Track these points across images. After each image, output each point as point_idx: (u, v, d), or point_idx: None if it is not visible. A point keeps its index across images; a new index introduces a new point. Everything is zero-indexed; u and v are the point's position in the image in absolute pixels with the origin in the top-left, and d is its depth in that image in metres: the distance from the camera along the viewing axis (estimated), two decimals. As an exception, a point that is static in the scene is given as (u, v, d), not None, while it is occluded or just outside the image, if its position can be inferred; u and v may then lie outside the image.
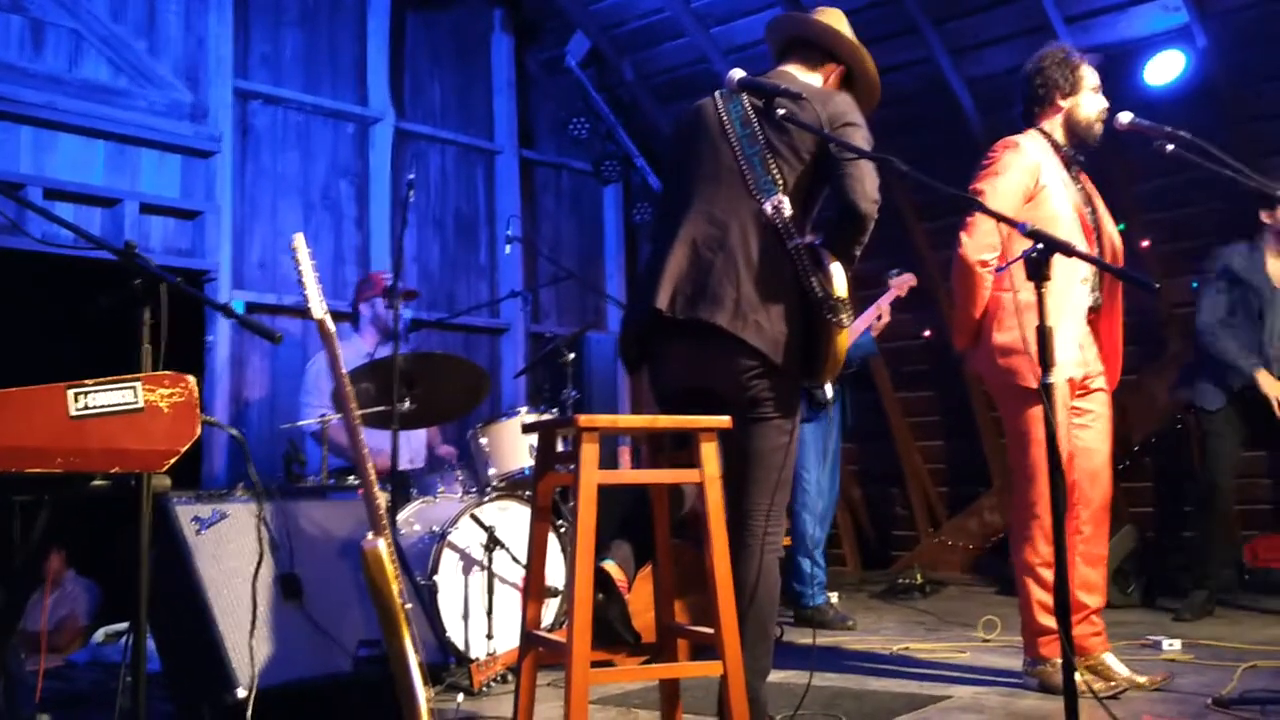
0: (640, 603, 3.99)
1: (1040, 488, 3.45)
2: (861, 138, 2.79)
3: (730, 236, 2.81)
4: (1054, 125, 3.69)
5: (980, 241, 3.55)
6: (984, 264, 3.57)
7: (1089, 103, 3.65)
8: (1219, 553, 5.28)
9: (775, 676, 3.88)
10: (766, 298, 2.74)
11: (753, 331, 2.73)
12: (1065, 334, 3.47)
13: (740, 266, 2.77)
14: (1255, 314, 5.04)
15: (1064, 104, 3.67)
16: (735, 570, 2.67)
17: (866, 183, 2.75)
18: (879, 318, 5.42)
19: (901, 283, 5.47)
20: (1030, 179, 3.57)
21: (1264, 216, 5.05)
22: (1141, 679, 3.50)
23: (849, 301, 2.74)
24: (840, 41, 3.10)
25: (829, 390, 4.63)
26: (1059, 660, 3.42)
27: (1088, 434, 3.65)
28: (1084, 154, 3.72)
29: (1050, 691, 3.44)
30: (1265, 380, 4.95)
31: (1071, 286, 3.52)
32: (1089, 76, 3.67)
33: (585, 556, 2.53)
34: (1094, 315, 3.70)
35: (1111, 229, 3.75)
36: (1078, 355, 3.58)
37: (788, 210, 2.77)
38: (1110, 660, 3.55)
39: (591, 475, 2.54)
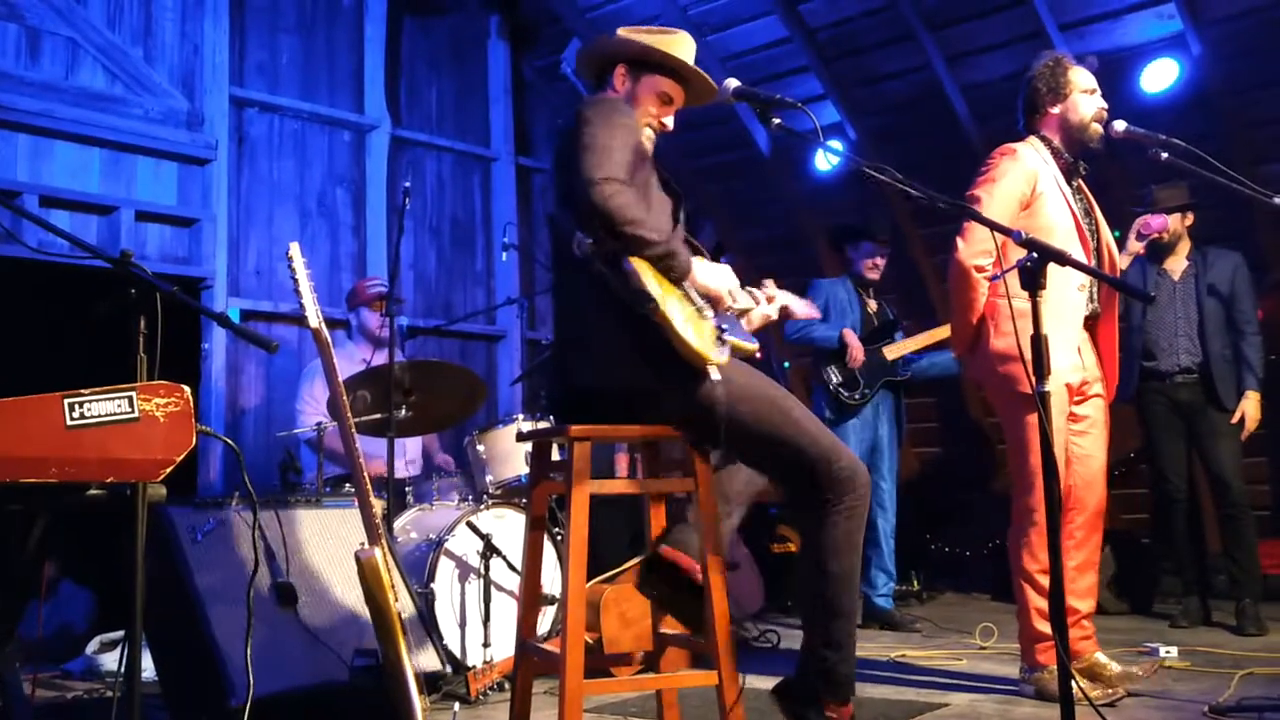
0: (637, 611, 4.00)
1: (1039, 494, 3.45)
2: (587, 134, 2.60)
3: (570, 299, 2.78)
4: (1052, 132, 3.69)
5: (975, 248, 3.56)
6: (979, 269, 3.58)
7: (1081, 105, 3.65)
8: (1202, 555, 5.28)
9: (767, 682, 3.88)
10: (606, 333, 2.65)
11: (608, 373, 2.64)
12: (1061, 339, 3.47)
13: (579, 323, 2.72)
14: (1148, 320, 5.14)
15: (1055, 110, 3.68)
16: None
17: (578, 162, 2.55)
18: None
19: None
20: (1027, 186, 3.58)
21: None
22: (1135, 669, 3.51)
23: (649, 290, 2.51)
24: (606, 43, 2.91)
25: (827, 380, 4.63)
26: (1055, 667, 3.42)
27: (1085, 440, 3.65)
28: (1086, 159, 3.72)
29: (1046, 699, 3.44)
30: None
31: (1067, 293, 3.53)
32: (1079, 79, 3.66)
33: (578, 565, 2.53)
34: (1091, 324, 3.70)
35: (1109, 238, 3.75)
36: (1075, 360, 3.59)
37: (589, 240, 2.64)
38: (1102, 659, 3.55)
39: (583, 485, 2.54)
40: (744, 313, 2.98)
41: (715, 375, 2.54)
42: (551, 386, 2.92)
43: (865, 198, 6.71)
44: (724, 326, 2.67)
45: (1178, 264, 5.16)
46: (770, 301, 3.09)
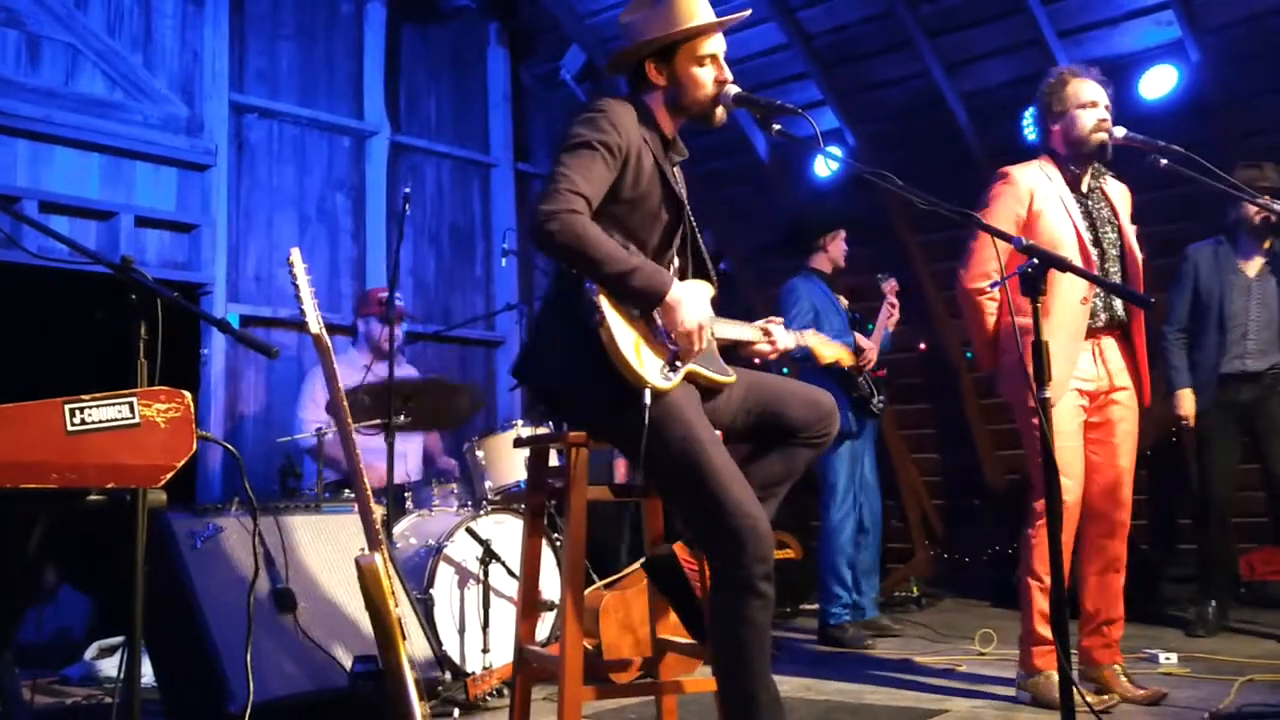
0: (637, 617, 4.00)
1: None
2: (564, 147, 2.55)
3: (544, 297, 2.80)
4: (1058, 147, 3.70)
5: (974, 270, 3.64)
6: (981, 291, 3.63)
7: (1081, 118, 3.64)
8: (1223, 565, 5.21)
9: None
10: (551, 334, 2.64)
11: (550, 372, 2.62)
12: (1062, 352, 3.50)
13: (538, 320, 2.74)
14: (1218, 316, 4.97)
15: (1057, 126, 3.68)
16: None
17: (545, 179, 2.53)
18: (890, 317, 5.26)
19: (890, 287, 5.35)
20: (1021, 207, 3.60)
21: (1247, 211, 4.91)
22: (1140, 690, 3.50)
23: (599, 303, 2.48)
24: (626, 52, 2.78)
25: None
26: (1051, 673, 3.42)
27: (1103, 450, 3.63)
28: (1103, 166, 3.72)
29: (1043, 704, 3.43)
30: (1182, 400, 4.98)
31: (1069, 306, 3.54)
32: (1079, 92, 3.65)
33: (576, 571, 2.53)
34: (1116, 332, 3.67)
35: (1133, 241, 3.72)
36: (1092, 371, 3.60)
37: None
38: (1119, 673, 3.54)
39: (582, 490, 2.54)
40: (743, 344, 2.80)
41: (647, 399, 2.43)
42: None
43: (863, 203, 6.71)
44: (678, 362, 2.54)
45: (1253, 262, 5.01)
46: (772, 343, 2.82)
